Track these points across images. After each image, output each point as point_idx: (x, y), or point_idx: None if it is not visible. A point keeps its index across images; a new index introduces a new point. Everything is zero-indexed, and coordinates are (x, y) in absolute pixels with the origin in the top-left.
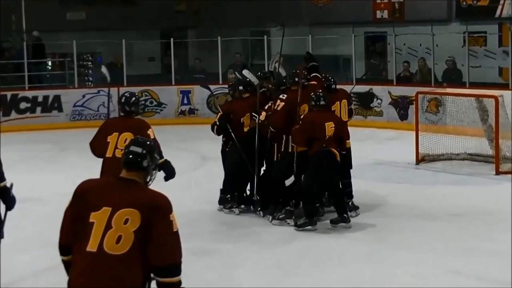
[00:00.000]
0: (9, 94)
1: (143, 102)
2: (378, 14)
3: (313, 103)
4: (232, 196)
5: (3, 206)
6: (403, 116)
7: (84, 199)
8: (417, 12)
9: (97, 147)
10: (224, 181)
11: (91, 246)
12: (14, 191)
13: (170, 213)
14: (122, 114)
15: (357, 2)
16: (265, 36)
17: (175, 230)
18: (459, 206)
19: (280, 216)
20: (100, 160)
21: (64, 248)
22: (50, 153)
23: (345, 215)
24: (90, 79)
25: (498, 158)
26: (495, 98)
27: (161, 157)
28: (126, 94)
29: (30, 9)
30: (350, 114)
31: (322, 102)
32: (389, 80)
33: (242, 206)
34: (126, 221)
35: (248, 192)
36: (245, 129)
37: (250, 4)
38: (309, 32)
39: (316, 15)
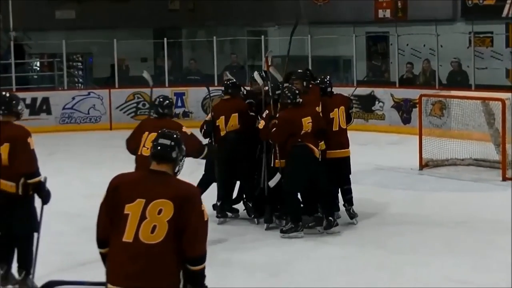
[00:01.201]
0: None
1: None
2: (380, 13)
3: (288, 100)
4: (224, 202)
5: (39, 201)
6: (406, 120)
7: (118, 193)
8: (421, 11)
9: (131, 144)
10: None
11: (127, 237)
12: None
13: (201, 203)
14: (156, 116)
15: (358, 1)
16: (263, 36)
17: (206, 219)
18: (463, 213)
19: (310, 224)
20: (86, 163)
21: (102, 241)
22: (38, 157)
23: (330, 218)
24: (80, 80)
25: (505, 163)
26: (502, 101)
27: None
28: (160, 98)
29: (17, 8)
30: (349, 120)
31: (298, 100)
32: (392, 82)
33: (229, 214)
34: (159, 212)
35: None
36: (222, 133)
37: (246, 3)
38: (308, 32)
39: (316, 14)
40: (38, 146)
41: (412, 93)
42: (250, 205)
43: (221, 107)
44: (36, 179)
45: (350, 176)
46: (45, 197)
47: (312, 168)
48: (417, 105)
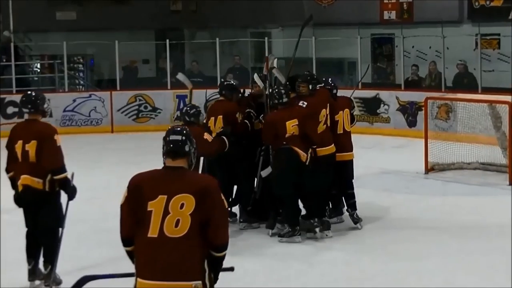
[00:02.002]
0: None
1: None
2: (386, 14)
3: (275, 101)
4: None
5: (65, 197)
6: (412, 123)
7: (139, 192)
8: (427, 13)
9: None
10: None
11: (152, 232)
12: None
13: (220, 192)
14: (182, 122)
15: (363, 2)
16: (266, 38)
17: (226, 207)
18: (470, 218)
19: (317, 228)
20: (86, 166)
21: (126, 240)
22: None
23: (325, 219)
24: (81, 82)
25: None
26: (509, 104)
27: None
28: (188, 106)
29: (17, 9)
30: (352, 120)
31: (284, 100)
32: (397, 85)
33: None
34: (182, 206)
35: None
36: (213, 135)
37: (250, 4)
38: (312, 34)
39: (320, 16)
40: None
41: (417, 96)
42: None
43: (212, 108)
44: (62, 175)
45: (354, 180)
46: (71, 193)
47: (297, 171)
48: (423, 108)
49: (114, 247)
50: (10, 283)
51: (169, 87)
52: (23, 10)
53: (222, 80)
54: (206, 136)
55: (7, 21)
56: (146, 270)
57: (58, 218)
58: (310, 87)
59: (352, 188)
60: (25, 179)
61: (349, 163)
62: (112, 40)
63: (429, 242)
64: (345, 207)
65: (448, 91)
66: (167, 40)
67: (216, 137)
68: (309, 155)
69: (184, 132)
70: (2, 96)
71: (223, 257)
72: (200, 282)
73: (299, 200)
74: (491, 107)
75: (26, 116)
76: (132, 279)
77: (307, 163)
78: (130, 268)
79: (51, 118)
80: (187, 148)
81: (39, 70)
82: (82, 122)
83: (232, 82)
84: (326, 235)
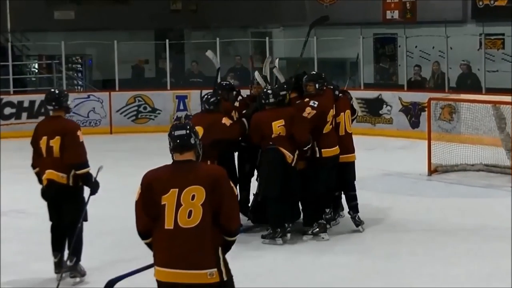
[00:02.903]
0: None
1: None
2: (388, 14)
3: (262, 101)
4: None
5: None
6: (415, 124)
7: (152, 187)
8: (430, 13)
9: None
10: None
11: (168, 224)
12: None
13: (228, 180)
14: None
15: (365, 2)
16: (267, 38)
17: (236, 194)
18: (473, 220)
19: (314, 231)
20: None
21: (143, 233)
22: None
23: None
24: (80, 83)
25: None
26: None
27: None
28: (208, 94)
29: (15, 8)
30: (353, 112)
31: (270, 100)
32: (400, 86)
33: None
34: (193, 197)
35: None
36: None
37: (250, 3)
38: (313, 34)
39: (321, 15)
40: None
41: (420, 97)
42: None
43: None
44: (85, 170)
45: (356, 182)
46: (93, 188)
47: (282, 172)
48: (426, 109)
49: (114, 248)
50: (10, 284)
51: (168, 87)
52: (21, 9)
53: (220, 80)
54: (225, 120)
55: (4, 20)
56: (164, 259)
57: (81, 212)
58: (317, 86)
59: (354, 190)
60: (49, 174)
61: (351, 165)
62: (111, 40)
63: (431, 244)
64: (347, 210)
65: (451, 92)
66: (167, 40)
67: (235, 121)
68: (295, 156)
69: (187, 126)
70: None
71: (234, 241)
72: (215, 269)
73: (298, 202)
74: (495, 108)
75: (50, 113)
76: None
77: (293, 164)
78: (131, 267)
79: None
80: (192, 141)
81: (37, 71)
82: (80, 123)
83: (230, 82)
84: (322, 238)
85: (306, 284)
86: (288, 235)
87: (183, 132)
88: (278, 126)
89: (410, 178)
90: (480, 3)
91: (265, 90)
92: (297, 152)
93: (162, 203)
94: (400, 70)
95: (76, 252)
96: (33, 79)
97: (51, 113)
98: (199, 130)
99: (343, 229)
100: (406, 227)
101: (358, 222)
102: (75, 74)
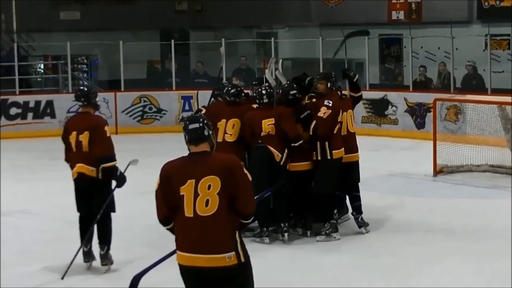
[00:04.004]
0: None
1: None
2: (394, 15)
3: (256, 101)
4: None
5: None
6: (420, 125)
7: (170, 179)
8: (436, 13)
9: None
10: None
11: (188, 213)
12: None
13: (242, 167)
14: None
15: (371, 2)
16: (272, 38)
17: (250, 179)
18: (478, 221)
19: (327, 231)
20: None
21: (164, 221)
22: (42, 161)
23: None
24: (85, 83)
25: None
26: None
27: None
28: (229, 86)
29: (20, 8)
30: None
31: (264, 100)
32: (405, 86)
33: None
34: (209, 187)
35: None
36: None
37: (255, 4)
38: (319, 34)
39: (327, 16)
40: (41, 151)
41: (426, 97)
42: None
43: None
44: (111, 163)
45: (361, 182)
46: (119, 181)
47: (269, 170)
48: (431, 110)
49: (121, 248)
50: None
51: (174, 88)
52: (27, 10)
53: (226, 82)
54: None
55: (10, 21)
56: (185, 244)
57: (110, 204)
58: (329, 85)
59: (358, 190)
60: (79, 167)
61: (355, 165)
62: (116, 40)
63: (436, 245)
64: (351, 211)
65: (457, 93)
66: (172, 41)
67: None
68: (284, 155)
69: (201, 119)
70: (5, 97)
71: (249, 223)
72: (233, 253)
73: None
74: (500, 109)
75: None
76: None
77: (281, 163)
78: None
79: (55, 119)
80: (206, 133)
81: (42, 71)
82: None
83: (237, 83)
84: (334, 237)
85: (310, 284)
86: (286, 234)
87: (197, 125)
88: (267, 125)
89: (415, 178)
90: (486, 3)
91: (259, 90)
92: (286, 151)
93: (181, 193)
94: (406, 71)
95: (107, 241)
96: (39, 79)
97: (80, 109)
98: (235, 122)
99: (347, 230)
100: (410, 228)
101: (361, 224)
102: (81, 75)
